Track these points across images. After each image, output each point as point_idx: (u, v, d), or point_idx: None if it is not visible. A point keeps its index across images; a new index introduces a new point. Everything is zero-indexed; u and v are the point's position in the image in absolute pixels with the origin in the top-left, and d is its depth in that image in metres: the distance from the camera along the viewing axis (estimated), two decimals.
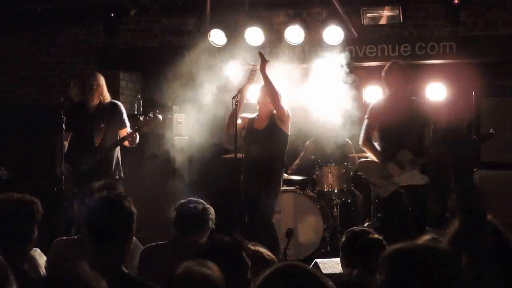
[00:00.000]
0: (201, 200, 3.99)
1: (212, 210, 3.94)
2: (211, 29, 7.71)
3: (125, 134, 6.54)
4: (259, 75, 6.50)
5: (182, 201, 4.02)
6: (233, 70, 7.08)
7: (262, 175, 6.44)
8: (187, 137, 8.36)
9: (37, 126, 8.64)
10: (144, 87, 8.91)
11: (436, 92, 7.86)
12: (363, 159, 6.73)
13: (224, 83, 6.99)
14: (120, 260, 3.02)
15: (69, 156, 6.41)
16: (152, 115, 6.54)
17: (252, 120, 6.69)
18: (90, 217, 3.10)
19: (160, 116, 6.66)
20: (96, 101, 6.60)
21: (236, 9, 7.83)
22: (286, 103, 6.61)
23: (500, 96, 7.56)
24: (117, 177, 6.58)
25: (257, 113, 6.68)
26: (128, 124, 6.68)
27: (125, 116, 6.70)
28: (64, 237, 4.32)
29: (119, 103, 6.84)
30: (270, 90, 6.42)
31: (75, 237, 4.27)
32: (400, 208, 6.20)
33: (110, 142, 6.51)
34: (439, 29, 7.90)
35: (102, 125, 6.53)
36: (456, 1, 7.19)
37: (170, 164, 7.93)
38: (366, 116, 6.41)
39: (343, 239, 3.72)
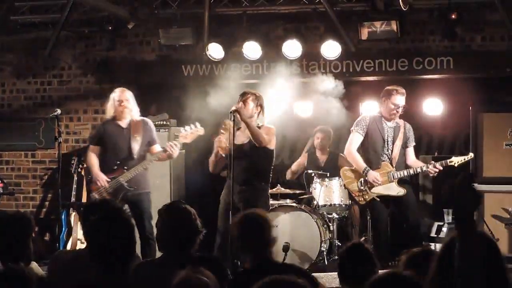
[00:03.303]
0: (183, 208, 3.65)
1: (196, 220, 3.65)
2: (209, 42, 7.73)
3: (155, 151, 6.47)
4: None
5: (164, 214, 3.66)
6: (230, 84, 7.09)
7: (247, 197, 6.14)
8: (184, 151, 8.36)
9: (34, 139, 8.63)
10: (142, 101, 8.89)
11: (433, 107, 7.85)
12: (346, 167, 7.07)
13: (222, 96, 6.95)
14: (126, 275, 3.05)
15: (103, 169, 6.40)
16: (195, 126, 6.36)
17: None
18: (93, 236, 3.13)
19: (202, 129, 6.43)
20: (127, 117, 6.51)
21: (234, 23, 7.85)
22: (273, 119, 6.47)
23: (497, 111, 7.55)
24: (149, 191, 6.54)
25: (237, 126, 6.22)
26: (158, 141, 6.58)
27: (155, 133, 6.61)
28: (64, 250, 4.29)
29: (149, 120, 6.76)
30: (251, 131, 6.09)
31: (76, 249, 4.25)
32: (381, 217, 6.78)
33: (143, 156, 6.43)
34: (436, 44, 7.91)
35: (138, 137, 6.43)
36: (453, 16, 7.21)
37: (166, 178, 7.90)
38: (356, 128, 6.78)
39: (339, 255, 3.69)
